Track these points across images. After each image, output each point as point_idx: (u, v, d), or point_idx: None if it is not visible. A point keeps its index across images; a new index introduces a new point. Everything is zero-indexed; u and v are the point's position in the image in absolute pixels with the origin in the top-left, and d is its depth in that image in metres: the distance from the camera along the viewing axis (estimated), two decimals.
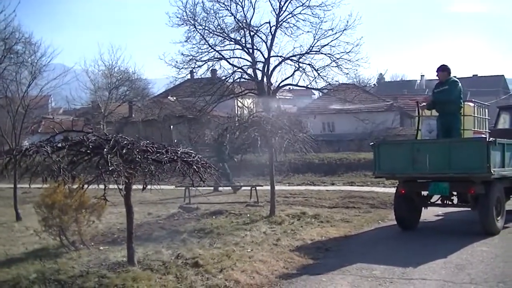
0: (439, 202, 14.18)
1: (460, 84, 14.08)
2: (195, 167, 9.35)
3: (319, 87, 42.08)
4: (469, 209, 13.88)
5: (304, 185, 27.82)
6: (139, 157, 8.80)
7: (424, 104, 14.56)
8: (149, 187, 9.35)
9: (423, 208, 14.44)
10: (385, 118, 45.32)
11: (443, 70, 14.13)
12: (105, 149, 8.58)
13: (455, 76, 14.52)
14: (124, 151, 8.76)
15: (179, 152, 9.36)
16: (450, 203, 14.04)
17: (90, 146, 8.77)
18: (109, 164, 8.34)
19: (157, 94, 55.77)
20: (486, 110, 15.90)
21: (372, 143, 13.94)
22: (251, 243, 11.96)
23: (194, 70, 43.08)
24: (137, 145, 9.06)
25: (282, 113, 15.98)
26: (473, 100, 15.53)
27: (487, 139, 12.52)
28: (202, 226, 14.51)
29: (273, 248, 11.61)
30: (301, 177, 32.35)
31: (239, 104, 46.76)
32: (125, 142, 8.97)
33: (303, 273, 9.85)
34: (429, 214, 15.62)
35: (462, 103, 14.12)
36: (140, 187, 9.45)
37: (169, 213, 17.22)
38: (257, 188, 20.41)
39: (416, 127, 14.93)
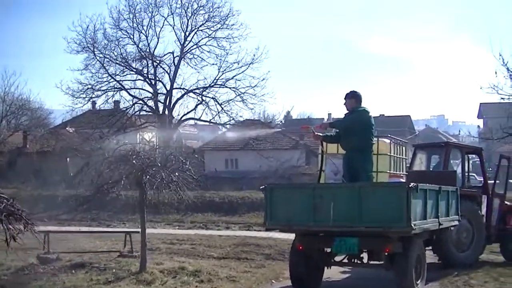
0: (345, 260, 10.97)
1: (370, 115, 11.03)
2: None
3: (222, 122, 39.24)
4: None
5: (196, 229, 24.81)
6: None
7: (317, 133, 11.42)
8: None
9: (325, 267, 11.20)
10: (290, 156, 42.51)
11: (351, 97, 11.08)
12: None
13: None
14: None
15: None
16: (359, 262, 10.79)
17: None
18: None
19: (56, 125, 51.44)
20: (404, 148, 12.88)
21: (263, 186, 10.59)
22: None
23: (92, 100, 39.48)
24: None
25: (165, 147, 12.32)
26: (390, 135, 12.39)
27: (408, 185, 9.35)
28: (52, 286, 11.48)
29: None
30: (200, 216, 29.22)
31: (143, 137, 43.27)
32: None
33: None
34: (334, 270, 12.15)
35: (373, 138, 10.99)
36: None
37: (24, 264, 13.48)
38: (134, 232, 16.49)
39: (319, 167, 11.77)
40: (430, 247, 13.07)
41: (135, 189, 12.60)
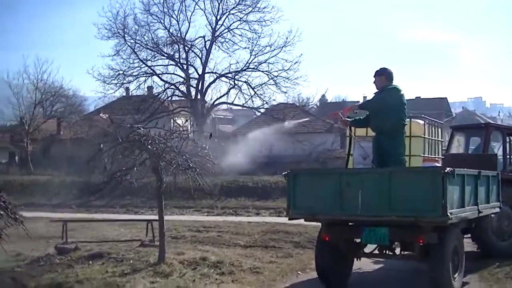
0: (376, 252, 9.99)
1: (402, 94, 10.00)
2: None
3: (255, 106, 38.29)
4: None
5: (226, 215, 23.96)
6: None
7: (345, 118, 10.47)
8: None
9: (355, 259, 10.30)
10: (324, 140, 41.38)
11: (381, 74, 10.08)
12: None
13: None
14: None
15: None
16: (391, 253, 9.84)
17: None
18: None
19: (90, 112, 51.14)
20: (440, 130, 11.78)
21: (286, 172, 9.66)
22: None
23: (123, 86, 38.85)
24: None
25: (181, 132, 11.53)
26: (424, 116, 11.29)
27: (443, 169, 8.35)
28: (64, 278, 10.73)
29: None
30: (233, 201, 28.72)
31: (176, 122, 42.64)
32: None
33: None
34: (365, 260, 11.21)
35: (405, 119, 9.98)
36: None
37: (40, 255, 12.99)
38: (157, 220, 15.72)
39: (347, 151, 10.80)
40: (469, 235, 12.08)
41: (152, 175, 11.81)
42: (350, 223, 9.56)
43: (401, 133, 9.95)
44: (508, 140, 13.93)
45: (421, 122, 10.79)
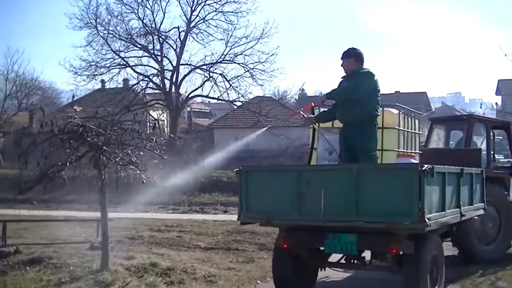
0: (343, 261, 8.51)
1: (377, 80, 8.52)
2: None
3: (231, 99, 36.84)
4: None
5: (191, 212, 22.44)
6: None
7: (308, 115, 8.94)
8: None
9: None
10: (301, 134, 39.91)
11: (350, 55, 8.59)
12: None
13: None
14: None
15: None
16: (359, 263, 8.35)
17: None
18: None
19: (64, 105, 49.40)
20: (417, 122, 10.27)
21: (237, 169, 8.14)
22: None
23: (95, 78, 37.26)
24: None
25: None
26: (398, 104, 9.75)
27: (421, 167, 6.88)
28: None
29: None
30: (207, 196, 27.82)
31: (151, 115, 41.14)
32: None
33: None
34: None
35: (378, 108, 8.51)
36: None
37: None
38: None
39: (310, 144, 9.30)
40: (449, 239, 10.67)
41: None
42: (310, 229, 8.06)
43: (373, 124, 8.47)
44: (491, 133, 12.56)
45: (395, 111, 9.22)
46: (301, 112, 9.05)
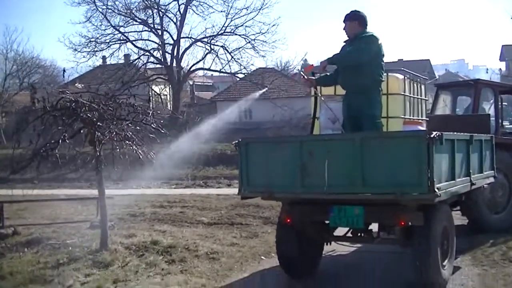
0: (349, 235, 8.13)
1: (381, 44, 8.06)
2: None
3: (233, 71, 36.37)
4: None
5: (194, 187, 21.98)
6: None
7: (308, 77, 8.47)
8: None
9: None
10: (305, 104, 39.43)
11: (353, 18, 8.13)
12: None
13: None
14: None
15: None
16: (366, 236, 7.98)
17: None
18: None
19: (66, 82, 48.91)
20: (423, 87, 9.78)
21: (237, 141, 7.74)
22: None
23: (96, 54, 36.77)
24: None
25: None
26: (403, 69, 9.16)
27: (429, 134, 6.46)
28: None
29: None
30: (211, 170, 27.20)
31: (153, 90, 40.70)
32: None
33: None
34: None
35: (382, 74, 8.06)
36: None
37: None
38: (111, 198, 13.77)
39: (312, 114, 8.88)
40: (458, 208, 10.29)
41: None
42: (315, 202, 7.67)
43: (377, 90, 8.03)
44: (499, 99, 12.09)
45: (401, 77, 8.71)
46: (301, 72, 8.61)
